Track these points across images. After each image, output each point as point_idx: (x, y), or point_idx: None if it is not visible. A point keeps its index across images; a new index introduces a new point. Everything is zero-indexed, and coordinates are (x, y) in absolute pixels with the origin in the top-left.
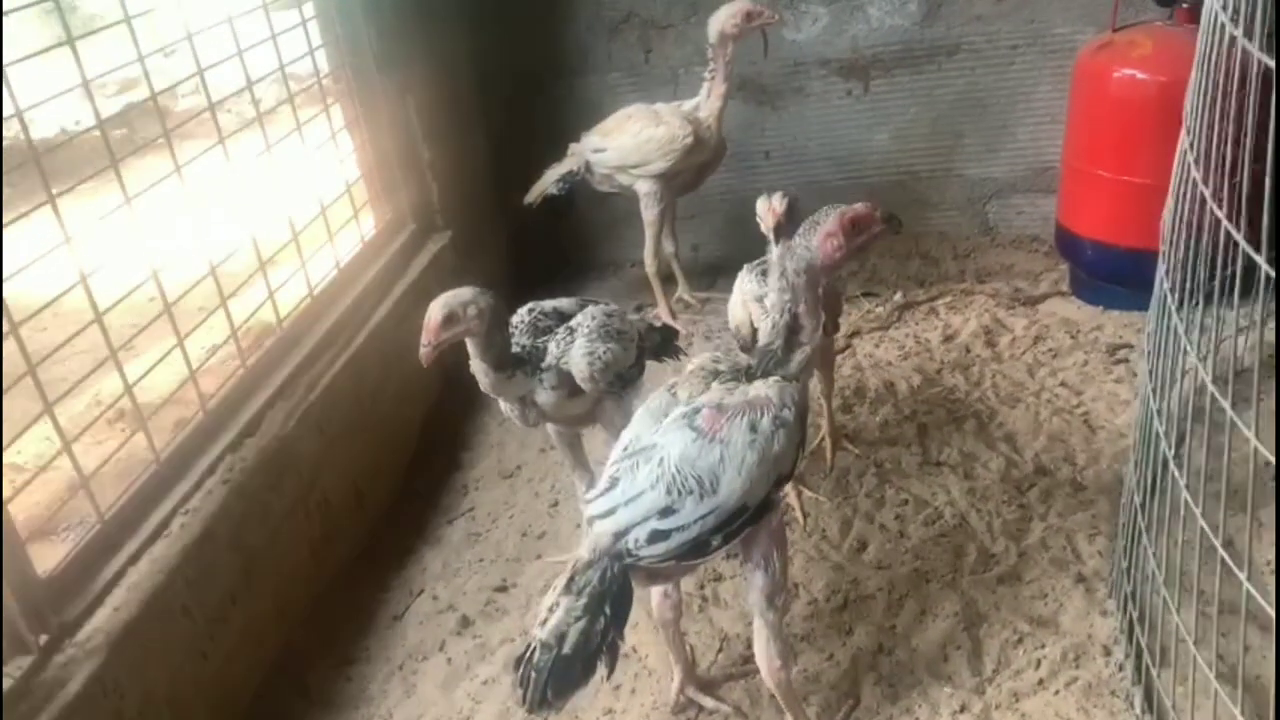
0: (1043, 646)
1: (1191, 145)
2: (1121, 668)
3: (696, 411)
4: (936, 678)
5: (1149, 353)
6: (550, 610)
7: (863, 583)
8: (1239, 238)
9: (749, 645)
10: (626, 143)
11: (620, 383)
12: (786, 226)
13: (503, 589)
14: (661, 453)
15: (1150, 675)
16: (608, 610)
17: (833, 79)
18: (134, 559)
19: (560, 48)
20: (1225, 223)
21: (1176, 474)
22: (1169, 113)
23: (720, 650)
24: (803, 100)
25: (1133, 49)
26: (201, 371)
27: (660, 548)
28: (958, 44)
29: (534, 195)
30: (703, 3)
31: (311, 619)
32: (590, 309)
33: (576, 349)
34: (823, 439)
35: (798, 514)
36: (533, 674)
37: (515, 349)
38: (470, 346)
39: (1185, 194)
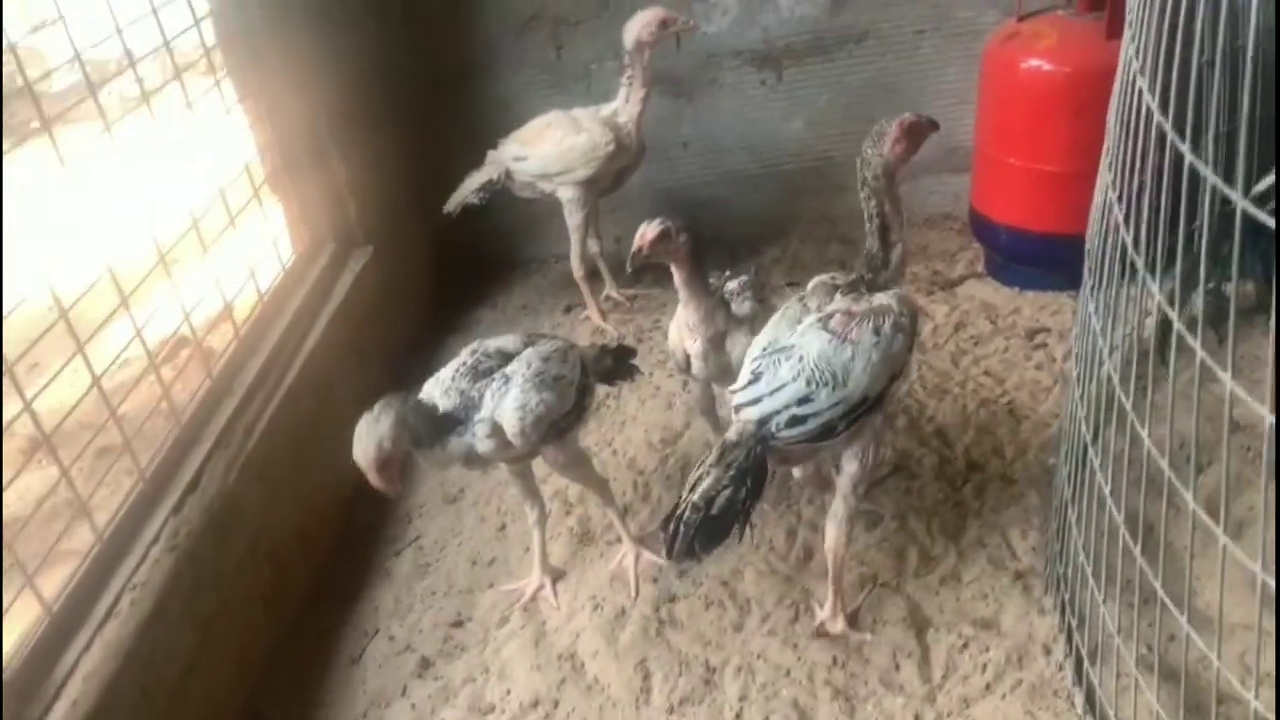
0: (987, 650)
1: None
2: (1061, 667)
3: (830, 317)
4: (889, 688)
5: (1076, 341)
6: (700, 479)
7: (812, 592)
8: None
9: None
10: (548, 151)
11: (555, 431)
12: (649, 255)
13: (458, 624)
14: (801, 351)
15: (1087, 673)
16: (749, 484)
17: (746, 69)
18: (87, 647)
19: (469, 48)
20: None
21: (1095, 463)
22: (1076, 102)
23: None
24: (717, 91)
25: (1038, 40)
26: (121, 391)
27: (797, 431)
28: (866, 31)
29: (453, 205)
30: None
31: (269, 674)
32: (528, 353)
33: (508, 401)
34: None
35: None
36: (682, 528)
37: (447, 395)
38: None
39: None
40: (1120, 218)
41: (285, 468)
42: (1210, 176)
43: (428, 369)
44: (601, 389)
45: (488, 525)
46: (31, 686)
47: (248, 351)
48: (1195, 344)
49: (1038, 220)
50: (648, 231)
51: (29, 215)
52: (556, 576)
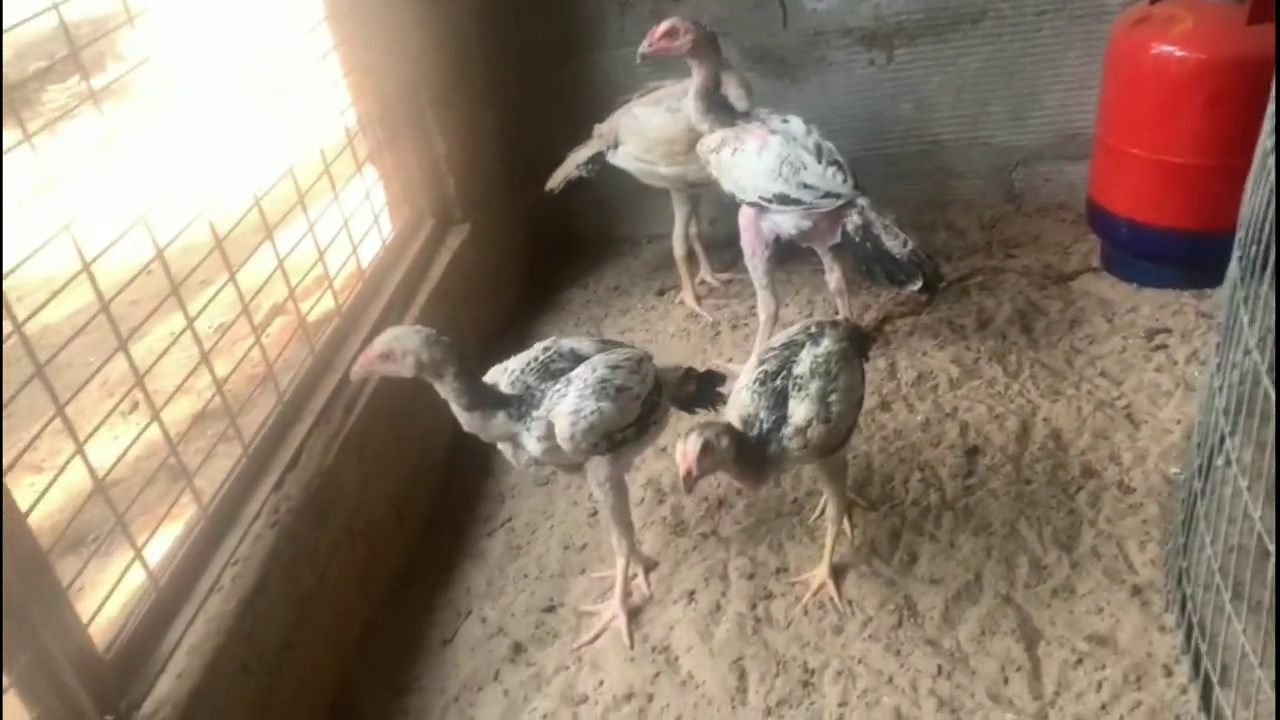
0: (1103, 667)
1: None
2: (1185, 691)
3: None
4: (998, 701)
5: (1218, 345)
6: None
7: (915, 599)
8: None
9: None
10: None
11: (608, 444)
12: (701, 475)
13: (550, 609)
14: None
15: (1216, 700)
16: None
17: (855, 49)
18: (191, 622)
19: (570, 22)
20: None
21: (1234, 472)
22: (1211, 92)
23: (778, 675)
24: (824, 71)
25: (1172, 24)
26: (221, 360)
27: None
28: (984, 10)
29: (557, 181)
30: None
31: (361, 652)
32: (597, 358)
33: (564, 404)
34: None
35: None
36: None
37: (512, 386)
38: (438, 388)
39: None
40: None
41: (382, 446)
42: None
43: (520, 347)
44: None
45: (580, 510)
46: (138, 660)
47: (348, 328)
48: None
49: (1162, 215)
50: (689, 451)
51: (142, 180)
52: (649, 566)
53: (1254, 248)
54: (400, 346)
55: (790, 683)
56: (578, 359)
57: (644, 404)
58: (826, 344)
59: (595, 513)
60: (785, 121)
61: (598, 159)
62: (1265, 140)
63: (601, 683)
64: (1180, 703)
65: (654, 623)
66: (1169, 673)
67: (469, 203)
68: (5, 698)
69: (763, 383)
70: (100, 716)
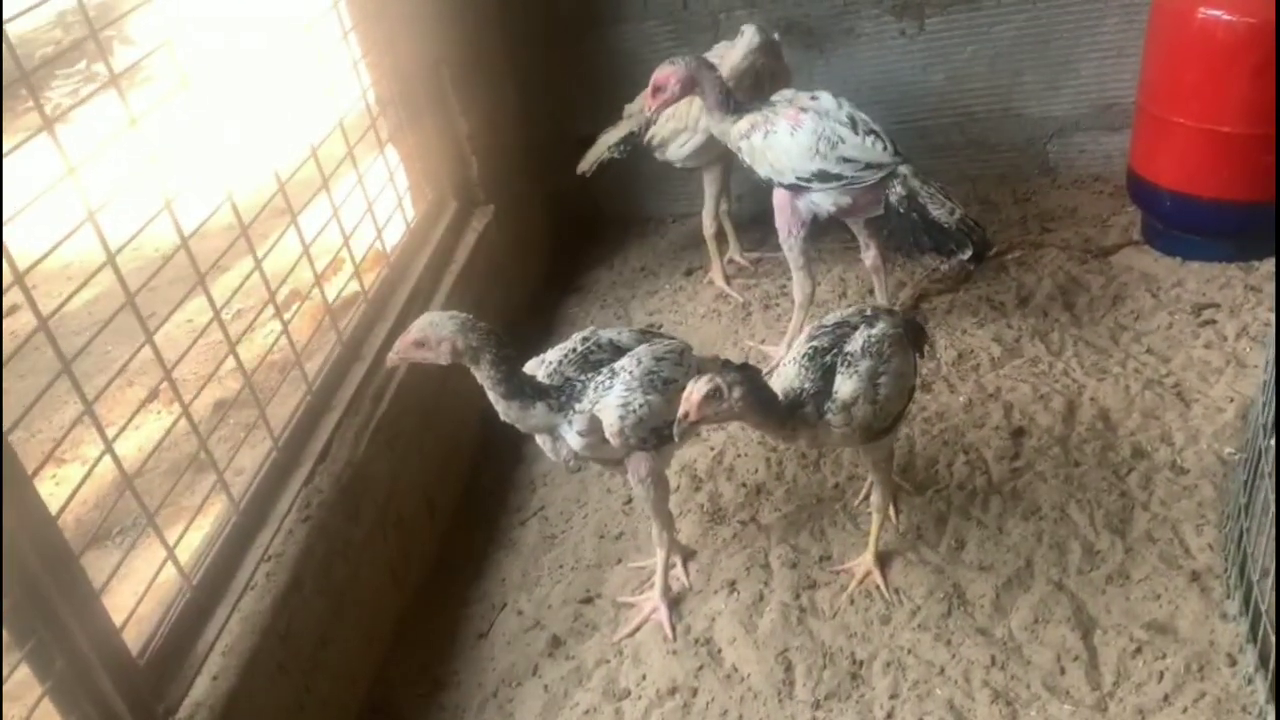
0: (1163, 656)
1: None
2: (1250, 680)
3: None
4: (1054, 693)
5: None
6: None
7: (965, 587)
8: None
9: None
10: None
11: (655, 437)
12: (699, 420)
13: (588, 600)
14: None
15: None
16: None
17: (885, 18)
18: (225, 622)
19: None
20: None
21: None
22: (1260, 57)
23: (825, 668)
24: (853, 42)
25: None
26: (242, 347)
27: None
28: None
29: (589, 163)
30: None
31: (397, 646)
32: (641, 350)
33: (611, 398)
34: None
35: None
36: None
37: (550, 379)
38: (475, 375)
39: None
40: None
41: (412, 435)
42: None
43: (546, 331)
44: None
45: (614, 497)
46: (174, 662)
47: (375, 314)
48: None
49: (1209, 185)
50: (694, 394)
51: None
52: (687, 556)
53: None
54: (436, 333)
55: (838, 675)
56: (617, 350)
57: None
58: (882, 327)
59: (630, 500)
60: (814, 98)
61: (629, 139)
62: None
63: (644, 677)
64: (1246, 693)
65: (695, 614)
66: (1233, 662)
67: (492, 183)
68: (41, 705)
69: (811, 358)
70: None
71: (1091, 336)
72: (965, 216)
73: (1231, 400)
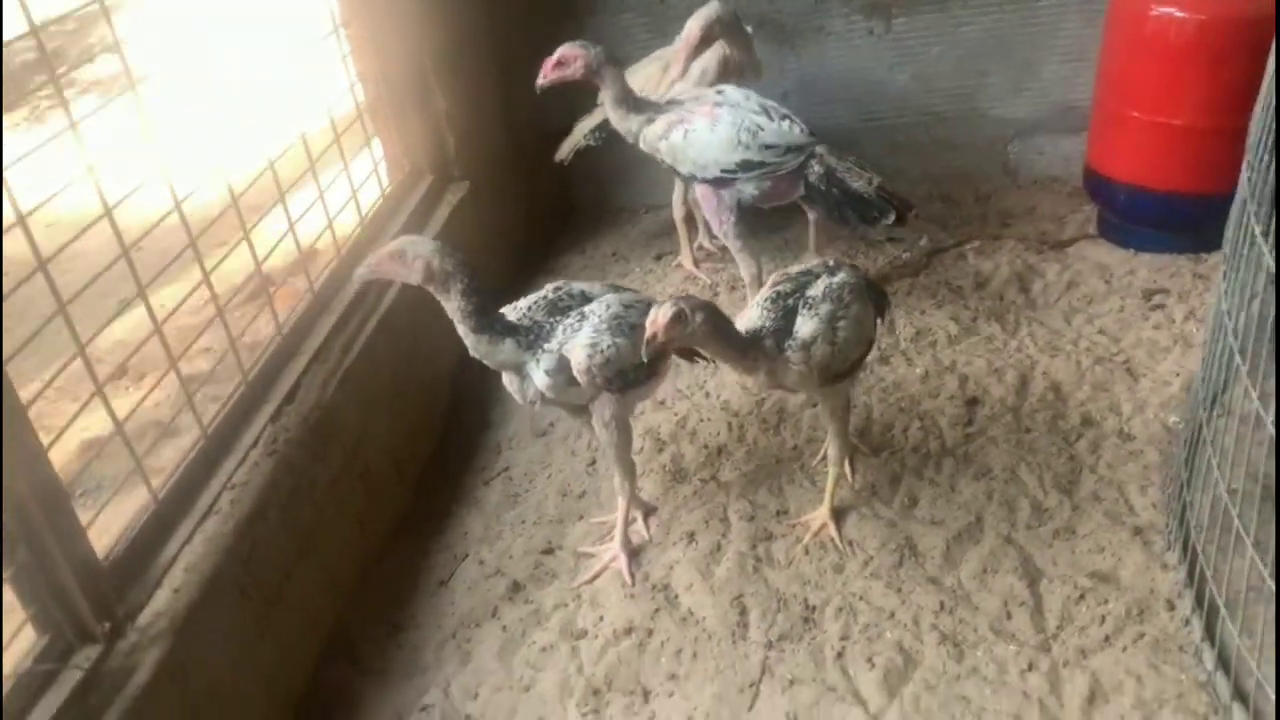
0: (1106, 602)
1: None
2: (1188, 622)
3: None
4: (1000, 635)
5: (1224, 278)
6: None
7: (916, 540)
8: None
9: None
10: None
11: (621, 380)
12: (665, 342)
13: (549, 551)
14: None
15: (1216, 630)
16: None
17: (854, 17)
18: (188, 539)
19: None
20: None
21: (1260, 410)
22: (1212, 52)
23: (779, 611)
24: (823, 40)
25: None
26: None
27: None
28: None
29: (565, 152)
30: None
31: (359, 591)
32: (609, 296)
33: (580, 338)
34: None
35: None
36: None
37: (520, 322)
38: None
39: None
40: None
41: (381, 389)
42: None
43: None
44: None
45: (578, 460)
46: (137, 570)
47: (346, 272)
48: None
49: (1162, 178)
50: (659, 316)
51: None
52: (649, 511)
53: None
54: (413, 250)
55: (791, 618)
56: (586, 300)
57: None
58: (843, 276)
59: (594, 462)
60: (720, 92)
61: (604, 126)
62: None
63: (601, 618)
64: (1183, 634)
65: (654, 563)
66: (1171, 607)
67: (468, 162)
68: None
69: (774, 300)
70: (98, 622)
71: (1046, 318)
72: (883, 184)
73: (1178, 375)
